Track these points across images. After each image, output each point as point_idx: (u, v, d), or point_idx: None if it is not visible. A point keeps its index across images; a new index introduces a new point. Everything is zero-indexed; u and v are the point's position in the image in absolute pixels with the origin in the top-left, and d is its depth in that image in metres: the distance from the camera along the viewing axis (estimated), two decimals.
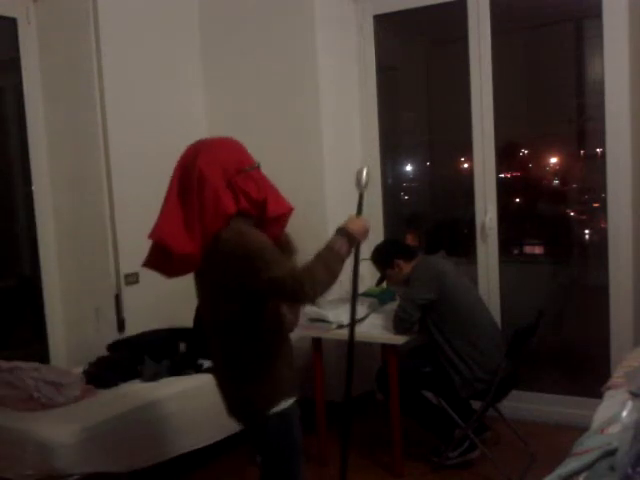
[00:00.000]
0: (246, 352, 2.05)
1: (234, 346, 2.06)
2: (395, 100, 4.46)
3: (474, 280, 3.72)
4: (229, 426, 3.07)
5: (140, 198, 3.65)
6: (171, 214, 2.00)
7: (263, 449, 2.10)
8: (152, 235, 2.01)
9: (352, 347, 2.54)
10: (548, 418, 3.64)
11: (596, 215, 3.92)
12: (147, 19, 3.74)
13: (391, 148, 4.29)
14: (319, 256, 1.98)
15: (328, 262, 1.96)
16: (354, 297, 2.46)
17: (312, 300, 2.03)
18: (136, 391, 2.91)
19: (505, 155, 3.94)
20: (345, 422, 2.54)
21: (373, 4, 4.00)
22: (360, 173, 2.33)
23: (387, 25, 4.06)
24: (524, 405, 3.65)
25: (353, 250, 2.12)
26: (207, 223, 1.95)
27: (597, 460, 1.59)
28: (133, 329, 3.51)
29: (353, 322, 2.54)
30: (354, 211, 2.23)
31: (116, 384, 3.00)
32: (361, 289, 3.85)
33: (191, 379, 3.04)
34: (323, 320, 3.30)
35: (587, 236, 4.14)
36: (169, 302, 3.74)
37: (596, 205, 3.92)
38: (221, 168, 2.00)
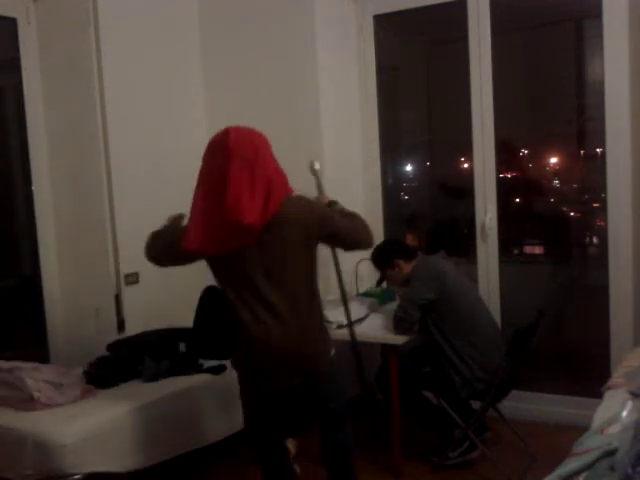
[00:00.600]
0: (318, 303, 2.44)
1: (314, 297, 2.40)
2: (395, 100, 4.46)
3: (474, 280, 3.72)
4: (229, 426, 3.09)
5: (140, 198, 3.65)
6: (240, 189, 2.17)
7: (331, 387, 2.51)
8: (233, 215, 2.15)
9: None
10: (548, 418, 3.64)
11: (596, 215, 3.92)
12: (147, 19, 3.74)
13: (391, 148, 4.29)
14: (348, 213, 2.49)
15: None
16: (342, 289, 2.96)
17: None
18: (136, 391, 2.91)
19: (505, 155, 3.95)
20: None
21: (373, 4, 4.00)
22: (313, 164, 2.88)
23: (387, 25, 4.06)
24: (524, 405, 3.65)
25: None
26: (275, 194, 2.23)
27: (597, 460, 1.58)
28: (133, 329, 3.51)
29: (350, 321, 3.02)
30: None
31: (116, 384, 3.00)
32: (361, 289, 3.86)
33: (191, 379, 3.04)
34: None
35: (587, 236, 4.14)
36: (169, 302, 3.75)
37: (596, 205, 3.92)
38: (270, 147, 2.34)
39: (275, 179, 2.25)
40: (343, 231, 2.39)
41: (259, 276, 2.29)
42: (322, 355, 2.44)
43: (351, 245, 2.47)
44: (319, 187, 2.81)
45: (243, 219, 2.15)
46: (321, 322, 2.47)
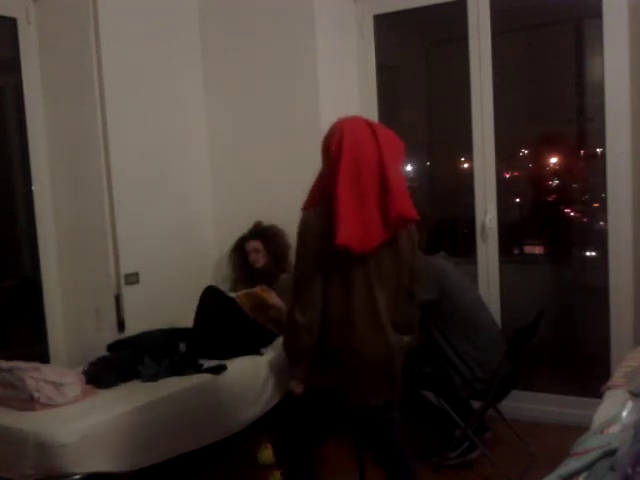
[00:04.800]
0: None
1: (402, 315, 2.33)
2: (395, 100, 4.46)
3: (474, 280, 3.72)
4: (229, 426, 3.09)
5: (140, 198, 3.65)
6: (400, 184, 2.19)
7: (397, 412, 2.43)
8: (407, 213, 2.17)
9: None
10: (548, 418, 3.64)
11: (596, 215, 3.92)
12: (147, 19, 3.74)
13: None
14: None
15: None
16: None
17: None
18: (136, 391, 2.91)
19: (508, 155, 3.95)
20: None
21: (373, 4, 4.00)
22: None
23: (387, 25, 4.06)
24: (524, 405, 3.65)
25: None
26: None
27: (597, 460, 1.59)
28: (133, 329, 3.51)
29: None
30: None
31: (116, 384, 2.99)
32: None
33: (191, 379, 3.04)
34: None
35: (587, 236, 4.14)
36: (169, 302, 3.75)
37: (596, 205, 3.93)
38: None
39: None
40: (418, 274, 2.36)
41: (376, 284, 2.20)
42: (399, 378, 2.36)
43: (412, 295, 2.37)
44: None
45: (410, 213, 2.17)
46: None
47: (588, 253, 4.15)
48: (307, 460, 2.43)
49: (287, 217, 3.84)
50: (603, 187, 3.48)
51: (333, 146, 2.21)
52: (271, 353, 3.39)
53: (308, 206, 2.27)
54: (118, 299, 3.55)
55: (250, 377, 3.22)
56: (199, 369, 3.14)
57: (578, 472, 1.58)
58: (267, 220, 3.86)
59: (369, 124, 2.26)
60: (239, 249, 3.89)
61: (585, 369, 3.85)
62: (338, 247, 2.08)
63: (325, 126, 3.80)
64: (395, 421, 2.44)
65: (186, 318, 3.48)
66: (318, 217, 2.17)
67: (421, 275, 2.40)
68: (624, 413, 1.80)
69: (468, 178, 3.83)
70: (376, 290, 2.20)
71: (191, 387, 2.98)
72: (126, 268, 3.57)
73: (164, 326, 3.51)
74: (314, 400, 2.27)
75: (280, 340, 3.49)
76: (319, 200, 2.22)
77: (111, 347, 3.33)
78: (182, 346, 3.33)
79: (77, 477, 2.47)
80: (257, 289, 3.52)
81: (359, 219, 2.12)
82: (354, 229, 2.11)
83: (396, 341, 2.27)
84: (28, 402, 2.68)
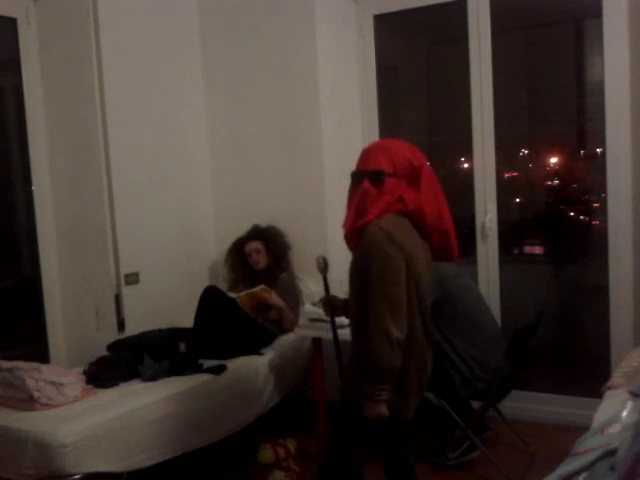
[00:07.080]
0: None
1: None
2: (395, 100, 4.45)
3: (474, 280, 3.72)
4: (229, 426, 3.09)
5: (140, 198, 3.66)
6: None
7: None
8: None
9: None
10: (548, 418, 3.64)
11: (596, 215, 3.92)
12: (147, 19, 3.74)
13: None
14: None
15: None
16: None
17: None
18: (136, 391, 2.91)
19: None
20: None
21: (373, 4, 4.00)
22: (320, 259, 2.49)
23: (387, 25, 4.06)
24: (524, 405, 3.66)
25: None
26: None
27: (597, 460, 1.59)
28: (133, 329, 3.51)
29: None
30: None
31: (116, 384, 2.99)
32: None
33: (191, 379, 3.04)
34: (323, 320, 3.29)
35: (587, 236, 4.14)
36: (169, 302, 3.75)
37: (596, 205, 3.92)
38: None
39: None
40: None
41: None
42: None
43: None
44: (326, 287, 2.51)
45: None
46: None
47: (588, 253, 4.15)
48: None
49: (287, 217, 3.85)
50: (603, 187, 3.48)
51: (416, 161, 2.29)
52: (271, 353, 3.39)
53: (377, 220, 2.15)
54: (118, 299, 3.56)
55: (250, 377, 3.22)
56: (199, 369, 3.14)
57: (578, 472, 1.58)
58: (267, 220, 3.86)
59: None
60: (237, 251, 3.88)
61: (585, 369, 3.84)
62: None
63: (325, 127, 3.85)
64: None
65: (186, 318, 3.48)
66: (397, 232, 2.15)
67: None
68: (624, 413, 1.81)
69: (468, 178, 3.82)
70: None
71: (191, 387, 2.98)
72: (126, 268, 3.57)
73: (164, 326, 3.51)
74: (387, 425, 2.18)
75: (280, 340, 3.53)
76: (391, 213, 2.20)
77: (111, 347, 3.33)
78: (182, 346, 3.32)
79: (77, 477, 2.48)
80: (258, 289, 3.52)
81: None
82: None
83: None
84: (28, 402, 2.68)
